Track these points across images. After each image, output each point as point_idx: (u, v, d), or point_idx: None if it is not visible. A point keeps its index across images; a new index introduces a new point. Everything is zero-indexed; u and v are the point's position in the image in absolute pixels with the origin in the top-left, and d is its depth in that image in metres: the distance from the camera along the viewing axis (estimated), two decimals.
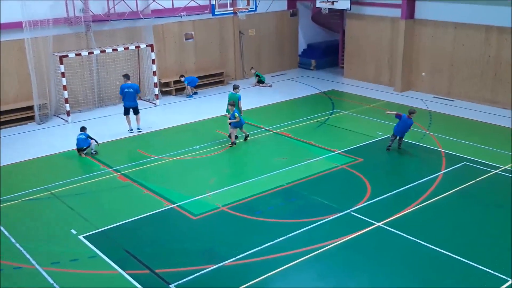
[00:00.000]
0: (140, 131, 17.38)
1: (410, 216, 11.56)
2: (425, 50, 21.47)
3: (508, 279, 9.18)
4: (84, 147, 15.43)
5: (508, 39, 18.90)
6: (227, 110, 16.11)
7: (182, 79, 21.84)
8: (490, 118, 18.35)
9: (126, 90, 17.01)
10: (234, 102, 15.82)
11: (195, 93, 22.25)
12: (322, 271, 9.57)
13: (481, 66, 19.84)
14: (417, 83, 22.04)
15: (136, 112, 17.36)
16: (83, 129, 15.69)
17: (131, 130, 17.33)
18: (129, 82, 17.29)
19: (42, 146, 16.29)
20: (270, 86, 23.19)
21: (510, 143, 15.67)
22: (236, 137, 16.01)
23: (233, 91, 16.55)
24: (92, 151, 15.48)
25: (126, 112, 17.24)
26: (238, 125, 15.92)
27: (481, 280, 9.22)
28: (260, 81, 23.31)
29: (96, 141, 15.61)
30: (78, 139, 15.42)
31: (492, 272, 9.40)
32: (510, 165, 14.07)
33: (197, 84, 22.21)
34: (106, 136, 16.76)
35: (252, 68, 23.71)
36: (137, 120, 17.43)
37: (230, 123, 15.79)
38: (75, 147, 15.55)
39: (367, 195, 12.55)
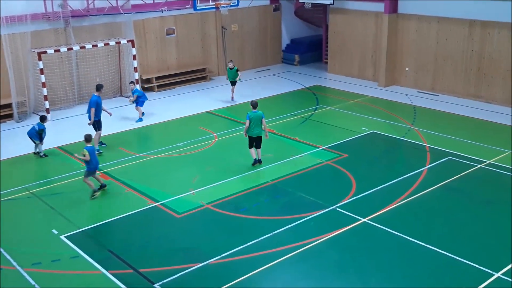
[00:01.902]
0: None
1: (396, 211, 11.65)
2: (409, 45, 21.62)
3: (493, 273, 9.31)
4: (35, 141, 14.99)
5: (491, 33, 19.09)
6: (254, 130, 13.81)
7: (132, 87, 18.13)
8: (474, 112, 18.54)
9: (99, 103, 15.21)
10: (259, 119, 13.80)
11: (143, 114, 18.48)
12: (308, 269, 9.60)
13: (465, 60, 20.02)
14: (401, 78, 22.18)
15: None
16: (43, 119, 15.16)
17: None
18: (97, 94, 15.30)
19: (21, 145, 16.09)
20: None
21: (494, 137, 15.86)
22: None
23: (253, 110, 13.82)
24: (41, 154, 15.10)
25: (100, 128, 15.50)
26: None
27: (465, 274, 9.33)
28: (233, 82, 20.30)
29: (41, 143, 15.10)
30: (30, 129, 15.09)
31: (477, 266, 9.53)
32: (495, 159, 14.25)
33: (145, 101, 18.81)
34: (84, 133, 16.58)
35: (231, 61, 20.69)
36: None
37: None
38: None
39: (352, 191, 12.62)
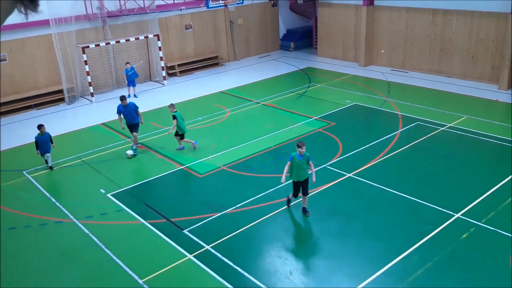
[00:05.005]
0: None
1: (374, 167, 11.67)
2: (383, 31, 21.28)
3: (454, 214, 9.36)
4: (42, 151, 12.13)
5: (451, 19, 18.75)
6: (300, 173, 9.32)
7: (128, 66, 17.78)
8: (437, 85, 18.36)
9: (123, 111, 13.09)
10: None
11: (135, 96, 18.15)
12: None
13: (429, 42, 19.72)
14: (377, 58, 21.91)
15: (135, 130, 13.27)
16: (40, 126, 12.13)
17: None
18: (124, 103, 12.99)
19: (72, 123, 16.15)
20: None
21: (453, 105, 15.74)
22: None
23: (299, 154, 9.12)
24: (49, 165, 12.38)
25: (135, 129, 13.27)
26: None
27: (431, 215, 9.40)
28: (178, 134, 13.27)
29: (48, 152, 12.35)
30: (38, 140, 12.13)
31: (440, 209, 9.58)
32: (454, 122, 14.17)
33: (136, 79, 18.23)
34: None
35: (171, 104, 13.26)
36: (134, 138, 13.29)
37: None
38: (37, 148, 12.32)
39: (339, 152, 12.63)
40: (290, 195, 9.72)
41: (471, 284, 7.47)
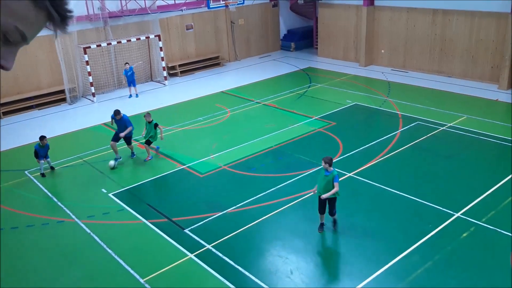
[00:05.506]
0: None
1: (375, 166, 11.65)
2: (384, 31, 21.24)
3: (454, 213, 9.33)
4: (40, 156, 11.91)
5: (451, 19, 18.71)
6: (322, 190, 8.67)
7: (127, 67, 17.83)
8: (437, 85, 18.32)
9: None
10: None
11: (136, 95, 18.42)
12: (306, 213, 9.67)
13: (429, 43, 19.68)
14: (378, 58, 21.87)
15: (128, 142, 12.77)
16: (42, 138, 11.90)
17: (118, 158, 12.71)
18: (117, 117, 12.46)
19: (74, 123, 16.13)
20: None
21: (453, 105, 15.71)
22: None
23: (327, 171, 8.53)
24: (42, 171, 11.99)
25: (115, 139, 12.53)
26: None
27: (432, 215, 9.37)
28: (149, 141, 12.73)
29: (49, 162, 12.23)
30: (36, 148, 11.94)
31: (440, 208, 9.56)
32: (454, 122, 14.14)
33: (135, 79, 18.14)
34: (126, 111, 16.53)
35: (148, 113, 12.89)
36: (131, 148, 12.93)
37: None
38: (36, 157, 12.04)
39: (340, 152, 12.61)
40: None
41: (471, 283, 7.44)
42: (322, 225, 9.01)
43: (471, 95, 16.86)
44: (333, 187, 8.40)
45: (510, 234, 8.56)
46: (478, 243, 8.44)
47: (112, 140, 12.52)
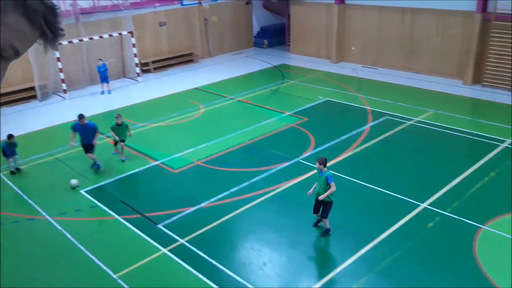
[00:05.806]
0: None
1: (345, 160, 11.84)
2: (355, 29, 21.54)
3: (420, 204, 9.60)
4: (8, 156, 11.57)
5: (419, 18, 19.13)
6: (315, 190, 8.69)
7: (101, 62, 17.82)
8: (406, 81, 18.72)
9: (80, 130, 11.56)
10: None
11: (109, 92, 18.29)
12: (278, 207, 9.78)
13: (399, 40, 20.07)
14: (348, 55, 22.17)
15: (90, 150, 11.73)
16: (10, 137, 11.59)
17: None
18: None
19: (45, 120, 15.81)
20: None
21: (420, 100, 16.09)
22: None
23: (321, 172, 8.51)
24: (12, 169, 11.77)
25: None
26: None
27: (400, 205, 9.61)
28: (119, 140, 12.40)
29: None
30: (3, 147, 11.59)
31: (408, 199, 9.81)
32: (421, 117, 14.49)
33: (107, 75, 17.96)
34: (98, 108, 16.39)
35: (119, 115, 12.33)
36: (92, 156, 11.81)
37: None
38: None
39: (312, 146, 12.77)
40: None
41: (437, 271, 7.68)
42: (318, 221, 8.96)
43: (438, 90, 17.30)
44: (327, 188, 8.28)
45: (473, 223, 8.87)
46: (443, 232, 8.72)
47: (87, 153, 11.69)
